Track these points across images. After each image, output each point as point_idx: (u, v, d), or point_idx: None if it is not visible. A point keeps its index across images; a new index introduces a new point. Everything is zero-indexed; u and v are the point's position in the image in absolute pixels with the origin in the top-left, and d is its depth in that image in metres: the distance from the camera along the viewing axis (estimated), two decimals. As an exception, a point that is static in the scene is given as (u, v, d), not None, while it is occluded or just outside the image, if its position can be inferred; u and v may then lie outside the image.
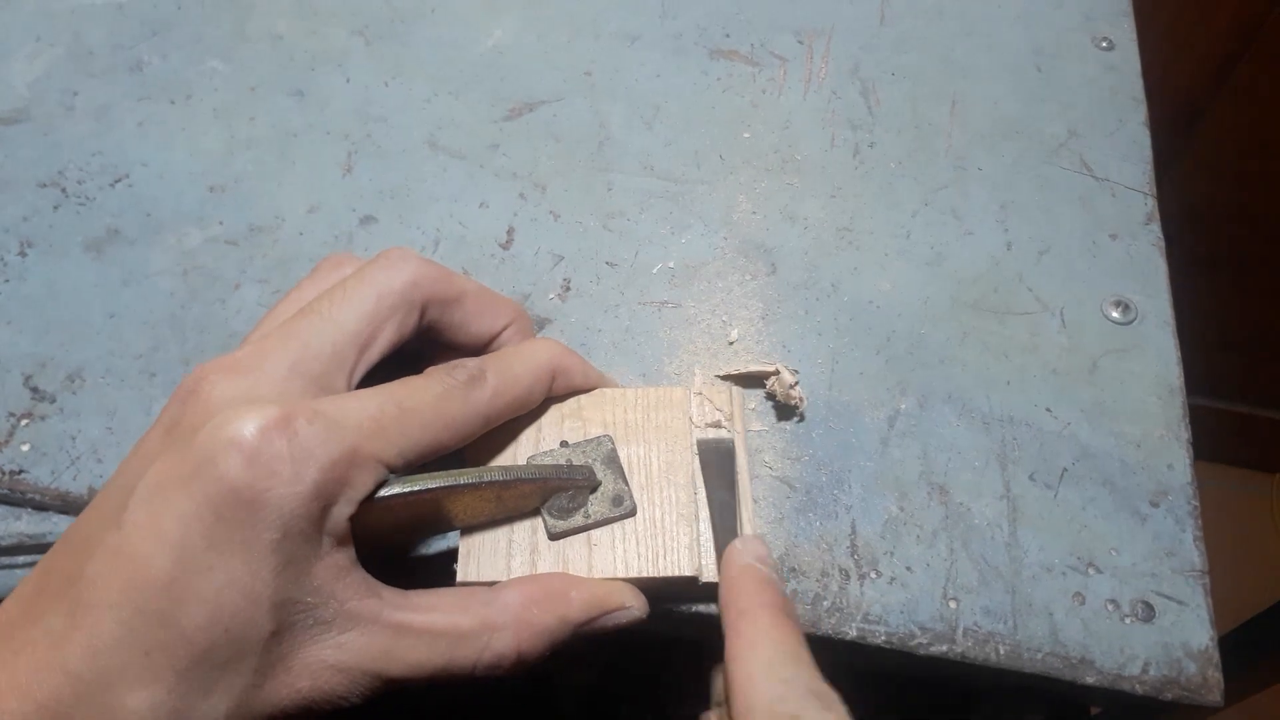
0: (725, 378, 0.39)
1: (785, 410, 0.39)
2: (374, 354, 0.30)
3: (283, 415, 0.25)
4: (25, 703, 0.23)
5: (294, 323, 0.29)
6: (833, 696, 0.27)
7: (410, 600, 0.28)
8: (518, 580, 0.30)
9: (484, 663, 0.28)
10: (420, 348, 0.33)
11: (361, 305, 0.30)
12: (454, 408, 0.29)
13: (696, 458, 0.34)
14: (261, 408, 0.25)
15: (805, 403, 0.38)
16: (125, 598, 0.24)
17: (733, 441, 0.35)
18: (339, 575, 0.27)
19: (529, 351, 0.33)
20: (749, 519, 0.34)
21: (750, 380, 0.39)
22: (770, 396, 0.39)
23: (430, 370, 0.30)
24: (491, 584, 0.31)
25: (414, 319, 0.31)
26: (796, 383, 0.38)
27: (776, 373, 0.38)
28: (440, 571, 0.32)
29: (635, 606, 0.31)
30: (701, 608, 0.34)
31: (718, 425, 0.36)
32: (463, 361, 0.31)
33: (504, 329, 0.34)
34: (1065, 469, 0.38)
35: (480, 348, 0.34)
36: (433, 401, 0.29)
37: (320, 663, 0.26)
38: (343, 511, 0.26)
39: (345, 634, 0.27)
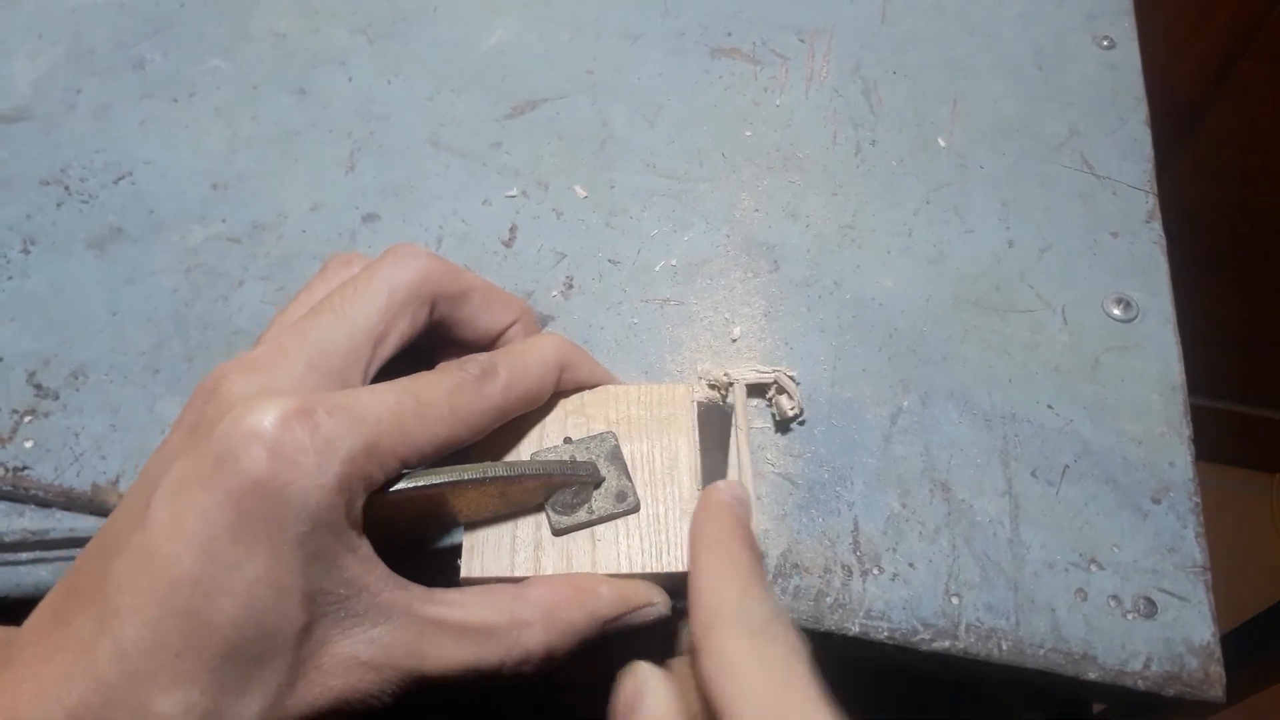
0: (716, 386, 0.39)
1: (784, 425, 0.38)
2: (388, 349, 0.30)
3: (302, 407, 0.25)
4: (53, 710, 0.23)
5: (309, 320, 0.29)
6: (792, 624, 0.27)
7: (439, 595, 0.28)
8: (545, 578, 0.31)
9: (513, 658, 0.28)
10: (428, 343, 0.33)
11: (374, 301, 0.30)
12: (468, 401, 0.29)
13: (698, 453, 0.34)
14: (281, 400, 0.25)
15: (804, 412, 0.38)
16: (152, 599, 0.24)
17: (732, 405, 0.35)
18: (370, 568, 0.26)
19: (537, 346, 0.33)
20: (751, 515, 0.34)
21: (751, 391, 0.39)
22: (769, 403, 0.39)
23: (443, 365, 0.30)
24: (501, 580, 0.31)
25: (425, 313, 0.31)
26: (795, 394, 0.38)
27: (775, 383, 0.38)
28: (444, 567, 0.32)
29: (660, 603, 0.31)
30: (704, 604, 0.34)
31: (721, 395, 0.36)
32: (474, 356, 0.31)
33: (510, 325, 0.34)
34: (1067, 466, 0.38)
35: (488, 344, 0.34)
36: (447, 396, 0.29)
37: (353, 659, 0.26)
38: (360, 504, 0.26)
39: (377, 628, 0.26)
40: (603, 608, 0.30)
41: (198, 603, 0.24)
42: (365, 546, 0.27)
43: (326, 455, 0.25)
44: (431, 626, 0.27)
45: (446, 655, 0.27)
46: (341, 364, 0.29)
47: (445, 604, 0.28)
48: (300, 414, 0.25)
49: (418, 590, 0.28)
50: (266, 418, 0.25)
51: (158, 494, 0.25)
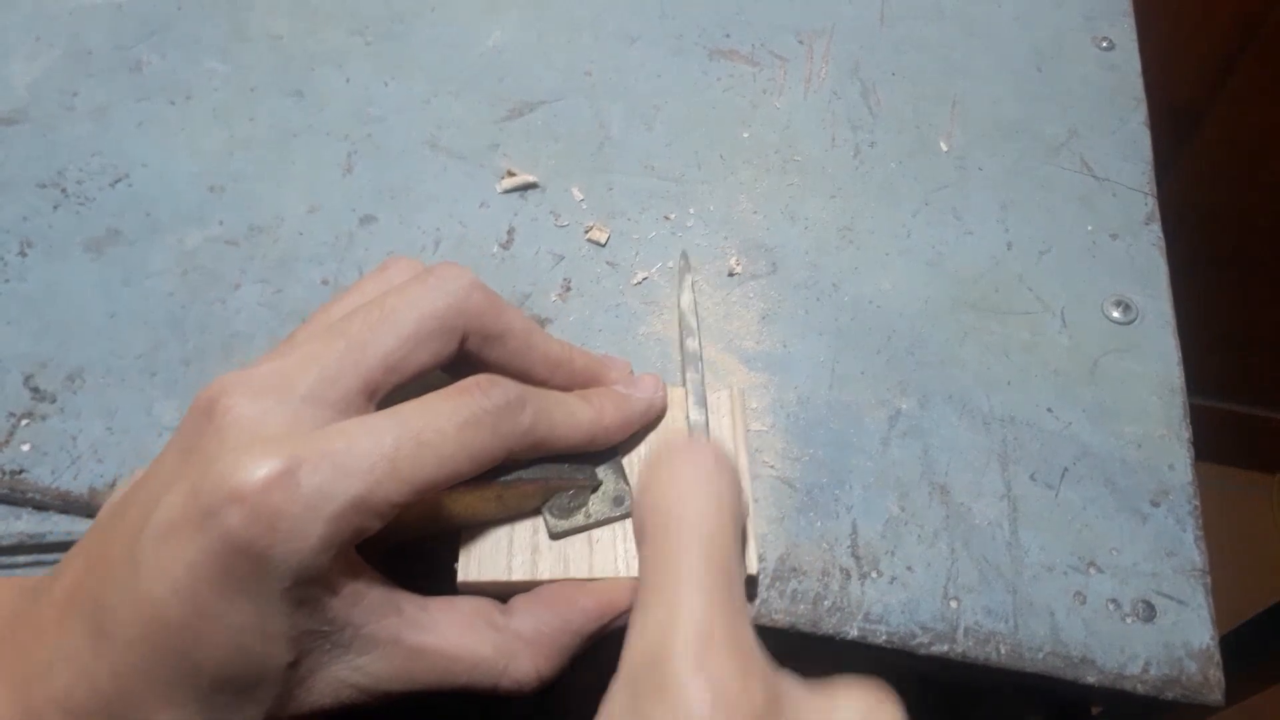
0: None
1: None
2: (402, 376, 0.29)
3: (286, 466, 0.25)
4: (58, 712, 0.25)
5: (322, 342, 0.28)
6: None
7: (429, 618, 0.28)
8: (527, 599, 0.30)
9: (504, 687, 0.29)
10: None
11: (394, 329, 0.29)
12: (478, 439, 0.28)
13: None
14: (267, 455, 0.25)
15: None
16: (143, 636, 0.24)
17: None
18: (354, 602, 0.26)
19: (574, 412, 0.31)
20: (749, 518, 0.33)
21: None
22: None
23: (465, 386, 0.28)
24: (498, 584, 0.31)
25: (453, 346, 0.30)
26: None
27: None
28: (442, 567, 0.32)
29: None
30: (702, 607, 0.34)
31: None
32: (503, 383, 0.29)
33: (545, 381, 0.32)
34: (1066, 469, 0.38)
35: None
36: (455, 432, 0.27)
37: (340, 682, 0.27)
38: (351, 547, 0.26)
39: (363, 656, 0.27)
40: (585, 622, 0.30)
41: (186, 645, 0.24)
42: (354, 583, 0.27)
43: (307, 518, 0.25)
44: (419, 654, 0.27)
45: (433, 680, 0.28)
46: (345, 394, 0.28)
47: (433, 630, 0.28)
48: (285, 474, 0.24)
49: (410, 611, 0.28)
50: (251, 477, 0.24)
51: (149, 529, 0.25)
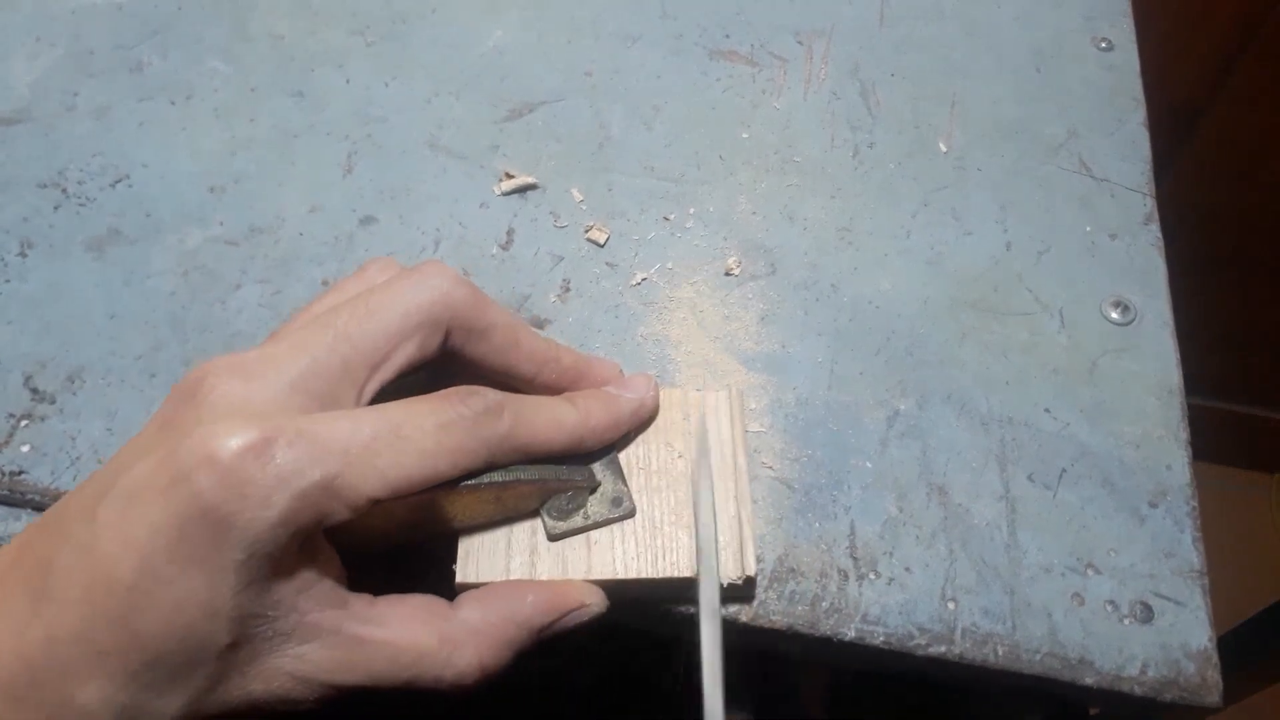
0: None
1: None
2: (388, 372, 0.29)
3: (263, 437, 0.25)
4: None
5: (311, 333, 0.29)
6: None
7: (375, 612, 0.28)
8: (476, 593, 0.30)
9: (448, 679, 0.28)
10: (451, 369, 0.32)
11: (382, 324, 0.29)
12: (456, 440, 0.28)
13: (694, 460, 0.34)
14: (245, 426, 0.25)
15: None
16: (86, 596, 0.24)
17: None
18: (302, 589, 0.26)
19: (558, 415, 0.31)
20: (747, 519, 0.34)
21: None
22: None
23: (445, 393, 0.29)
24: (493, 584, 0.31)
25: (437, 340, 0.30)
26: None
27: None
28: (442, 567, 0.32)
29: (594, 603, 0.31)
30: (701, 608, 0.34)
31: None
32: (481, 391, 0.29)
33: (532, 379, 0.32)
34: (1064, 469, 0.38)
35: (510, 389, 0.32)
36: (434, 430, 0.28)
37: (276, 670, 0.26)
38: (315, 532, 0.26)
39: (304, 645, 0.27)
40: (531, 616, 0.30)
41: (126, 611, 0.24)
42: (306, 569, 0.26)
43: (275, 489, 0.25)
44: (361, 644, 0.27)
45: (376, 672, 0.27)
46: (331, 386, 0.28)
47: (378, 622, 0.28)
48: (260, 445, 0.25)
49: (356, 606, 0.28)
50: (227, 444, 0.24)
51: (114, 491, 0.25)
